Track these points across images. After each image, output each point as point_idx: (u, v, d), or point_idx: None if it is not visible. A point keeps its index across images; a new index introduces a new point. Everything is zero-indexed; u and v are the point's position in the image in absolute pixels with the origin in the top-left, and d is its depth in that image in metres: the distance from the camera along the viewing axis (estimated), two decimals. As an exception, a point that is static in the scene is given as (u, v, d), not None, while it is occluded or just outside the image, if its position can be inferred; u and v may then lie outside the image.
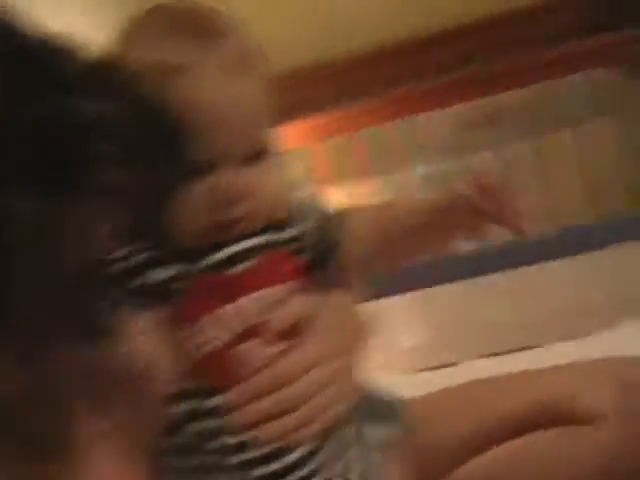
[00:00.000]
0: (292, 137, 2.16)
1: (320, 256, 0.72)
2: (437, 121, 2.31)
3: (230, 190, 0.62)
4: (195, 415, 0.63)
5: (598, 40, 2.25)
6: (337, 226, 0.73)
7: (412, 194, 0.71)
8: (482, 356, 1.61)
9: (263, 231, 0.66)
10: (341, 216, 0.74)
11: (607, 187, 2.26)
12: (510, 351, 1.59)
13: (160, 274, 0.62)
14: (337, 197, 2.32)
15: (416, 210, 0.73)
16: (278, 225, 0.68)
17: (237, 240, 0.65)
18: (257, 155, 0.64)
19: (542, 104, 2.26)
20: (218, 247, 0.64)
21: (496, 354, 1.60)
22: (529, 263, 2.03)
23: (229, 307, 0.63)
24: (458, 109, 2.25)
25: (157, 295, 0.62)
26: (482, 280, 1.99)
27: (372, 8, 2.33)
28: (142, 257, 0.62)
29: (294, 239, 0.70)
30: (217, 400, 0.63)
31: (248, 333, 0.63)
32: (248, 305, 0.64)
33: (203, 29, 0.62)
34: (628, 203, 2.26)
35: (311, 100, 2.39)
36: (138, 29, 0.63)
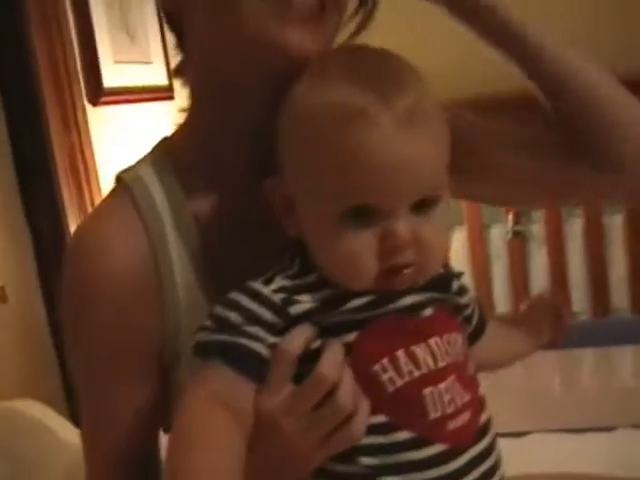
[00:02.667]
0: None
1: (473, 332, 0.74)
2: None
3: (400, 237, 0.62)
4: (372, 448, 0.63)
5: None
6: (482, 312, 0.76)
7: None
8: (550, 430, 1.64)
9: (430, 287, 0.67)
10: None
11: None
12: (584, 430, 1.64)
13: (353, 303, 0.63)
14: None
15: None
16: (441, 283, 0.69)
17: (413, 291, 0.66)
18: (427, 204, 0.63)
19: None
20: (399, 295, 0.65)
21: (569, 430, 1.64)
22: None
23: (421, 345, 0.64)
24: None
25: (345, 326, 0.63)
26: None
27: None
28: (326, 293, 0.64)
29: (463, 306, 0.72)
30: (401, 436, 0.63)
31: (436, 375, 0.64)
32: (439, 345, 0.65)
33: (387, 77, 0.62)
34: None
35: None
36: (326, 71, 0.64)
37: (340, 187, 0.61)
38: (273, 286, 0.64)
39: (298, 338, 0.63)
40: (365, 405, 0.62)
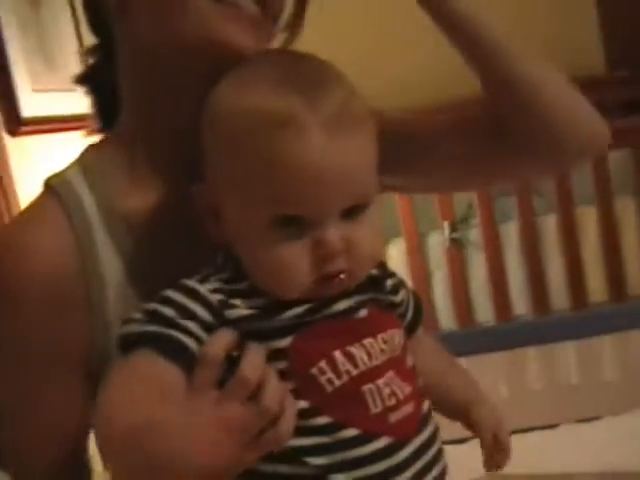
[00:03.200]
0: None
1: (408, 325, 0.74)
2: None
3: (331, 246, 0.61)
4: (318, 448, 0.62)
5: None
6: (420, 309, 0.76)
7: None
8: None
9: (363, 289, 0.67)
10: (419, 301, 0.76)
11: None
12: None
13: (289, 313, 0.63)
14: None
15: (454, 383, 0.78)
16: (374, 283, 0.68)
17: (347, 295, 0.65)
18: (356, 210, 0.63)
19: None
20: (333, 300, 0.65)
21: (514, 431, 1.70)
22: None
23: (357, 345, 0.64)
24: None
25: (280, 331, 0.62)
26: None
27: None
28: (261, 302, 0.63)
29: (397, 304, 0.72)
30: (346, 434, 0.62)
31: (373, 372, 0.64)
32: (373, 345, 0.65)
33: (312, 82, 0.61)
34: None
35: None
36: (250, 74, 0.63)
37: (266, 195, 0.60)
38: (209, 286, 0.63)
39: (219, 341, 0.61)
40: (292, 406, 0.61)
